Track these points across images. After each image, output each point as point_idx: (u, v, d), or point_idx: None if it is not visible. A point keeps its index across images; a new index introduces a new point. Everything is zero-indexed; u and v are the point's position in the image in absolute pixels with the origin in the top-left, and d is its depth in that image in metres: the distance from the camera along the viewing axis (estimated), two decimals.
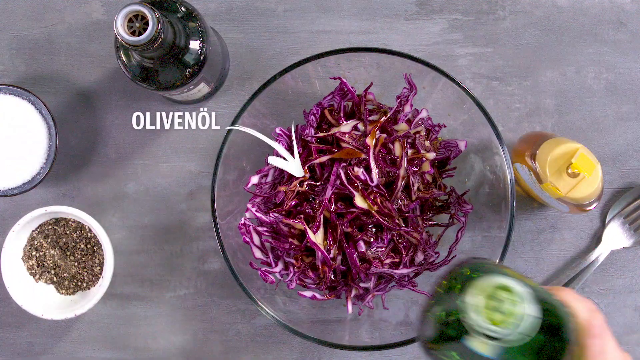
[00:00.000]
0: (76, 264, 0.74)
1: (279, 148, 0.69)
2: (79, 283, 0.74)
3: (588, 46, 0.75)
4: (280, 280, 0.71)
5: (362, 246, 0.68)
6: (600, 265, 0.74)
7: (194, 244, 0.76)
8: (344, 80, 0.68)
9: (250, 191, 0.70)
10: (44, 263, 0.74)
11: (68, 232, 0.74)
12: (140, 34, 0.56)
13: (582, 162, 0.64)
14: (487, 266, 0.49)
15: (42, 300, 0.73)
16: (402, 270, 0.69)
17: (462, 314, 0.42)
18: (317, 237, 0.67)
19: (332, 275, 0.69)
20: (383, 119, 0.68)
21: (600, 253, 0.73)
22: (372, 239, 0.68)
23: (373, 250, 0.68)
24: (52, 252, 0.74)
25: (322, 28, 0.76)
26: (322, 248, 0.67)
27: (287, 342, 0.75)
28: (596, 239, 0.75)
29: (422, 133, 0.71)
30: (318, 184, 0.69)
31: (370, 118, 0.69)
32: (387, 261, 0.69)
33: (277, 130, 0.71)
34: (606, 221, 0.74)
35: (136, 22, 0.57)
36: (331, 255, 0.68)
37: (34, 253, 0.74)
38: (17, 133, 0.71)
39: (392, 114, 0.69)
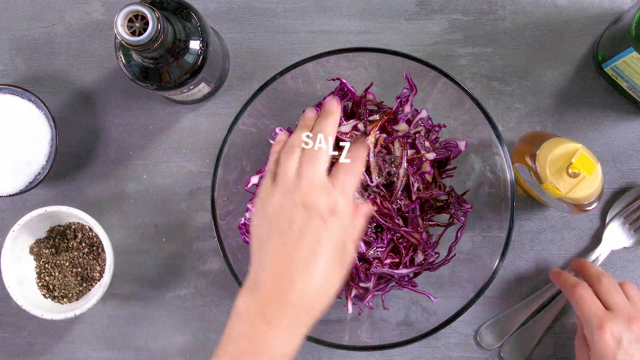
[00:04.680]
0: (76, 263, 0.74)
1: None
2: (79, 283, 0.74)
3: (588, 46, 0.75)
4: None
5: (362, 246, 0.68)
6: (600, 265, 0.74)
7: (194, 244, 0.76)
8: (344, 81, 0.68)
9: (250, 191, 0.70)
10: (45, 263, 0.74)
11: (69, 232, 0.74)
12: (140, 34, 0.56)
13: (582, 162, 0.64)
14: None
15: (42, 300, 0.73)
16: (402, 271, 0.69)
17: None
18: None
19: None
20: (384, 118, 0.68)
21: (601, 253, 0.73)
22: (372, 239, 0.68)
23: (373, 250, 0.68)
24: (53, 252, 0.74)
25: (322, 28, 0.76)
26: None
27: None
28: (596, 239, 0.75)
29: (422, 133, 0.71)
30: None
31: (370, 118, 0.69)
32: (387, 261, 0.69)
33: (277, 130, 0.71)
34: (606, 221, 0.74)
35: (136, 22, 0.57)
36: None
37: (35, 254, 0.74)
38: (17, 133, 0.71)
39: (392, 114, 0.69)
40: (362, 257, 0.68)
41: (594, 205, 0.67)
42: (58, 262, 0.74)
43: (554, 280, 0.71)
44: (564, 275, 0.70)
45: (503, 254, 0.64)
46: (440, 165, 0.72)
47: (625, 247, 0.74)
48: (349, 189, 0.55)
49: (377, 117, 0.69)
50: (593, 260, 0.73)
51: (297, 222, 0.52)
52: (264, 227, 0.54)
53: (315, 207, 0.52)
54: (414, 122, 0.70)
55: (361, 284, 0.70)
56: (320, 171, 0.54)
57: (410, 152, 0.69)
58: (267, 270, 0.52)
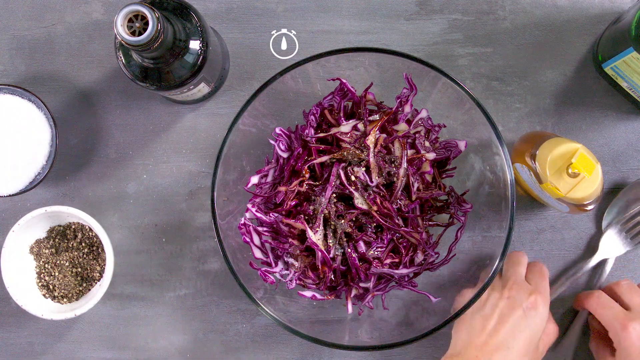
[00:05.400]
0: (76, 263, 0.74)
1: None
2: (79, 283, 0.74)
3: (588, 46, 0.75)
4: (280, 280, 0.71)
5: (362, 246, 0.68)
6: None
7: (194, 244, 0.76)
8: (344, 81, 0.68)
9: (250, 191, 0.70)
10: (45, 263, 0.74)
11: (69, 232, 0.74)
12: (140, 34, 0.56)
13: (582, 162, 0.64)
14: None
15: (42, 300, 0.73)
16: (402, 271, 0.69)
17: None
18: (317, 237, 0.67)
19: (332, 276, 0.69)
20: (384, 118, 0.68)
21: (599, 261, 0.73)
22: (372, 239, 0.68)
23: (373, 250, 0.68)
24: (52, 252, 0.74)
25: (322, 28, 0.76)
26: (322, 248, 0.67)
27: (287, 342, 0.75)
28: (594, 243, 0.75)
29: (422, 133, 0.71)
30: (318, 184, 0.69)
31: (370, 118, 0.69)
32: (387, 261, 0.69)
33: (277, 130, 0.71)
34: (602, 227, 0.74)
35: (136, 22, 0.57)
36: (331, 256, 0.68)
37: (35, 254, 0.74)
38: (17, 133, 0.71)
39: (392, 114, 0.69)
40: (362, 257, 0.68)
41: (594, 205, 0.67)
42: (58, 262, 0.74)
43: (577, 306, 0.73)
44: (580, 294, 0.72)
45: (503, 254, 0.64)
46: (440, 165, 0.72)
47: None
48: (545, 292, 0.65)
49: (377, 117, 0.69)
50: (592, 267, 0.73)
51: (500, 309, 0.63)
52: (469, 310, 0.63)
53: (518, 300, 0.63)
54: (413, 122, 0.70)
55: (361, 284, 0.70)
56: (521, 273, 0.67)
57: (410, 152, 0.69)
58: (469, 346, 0.63)
